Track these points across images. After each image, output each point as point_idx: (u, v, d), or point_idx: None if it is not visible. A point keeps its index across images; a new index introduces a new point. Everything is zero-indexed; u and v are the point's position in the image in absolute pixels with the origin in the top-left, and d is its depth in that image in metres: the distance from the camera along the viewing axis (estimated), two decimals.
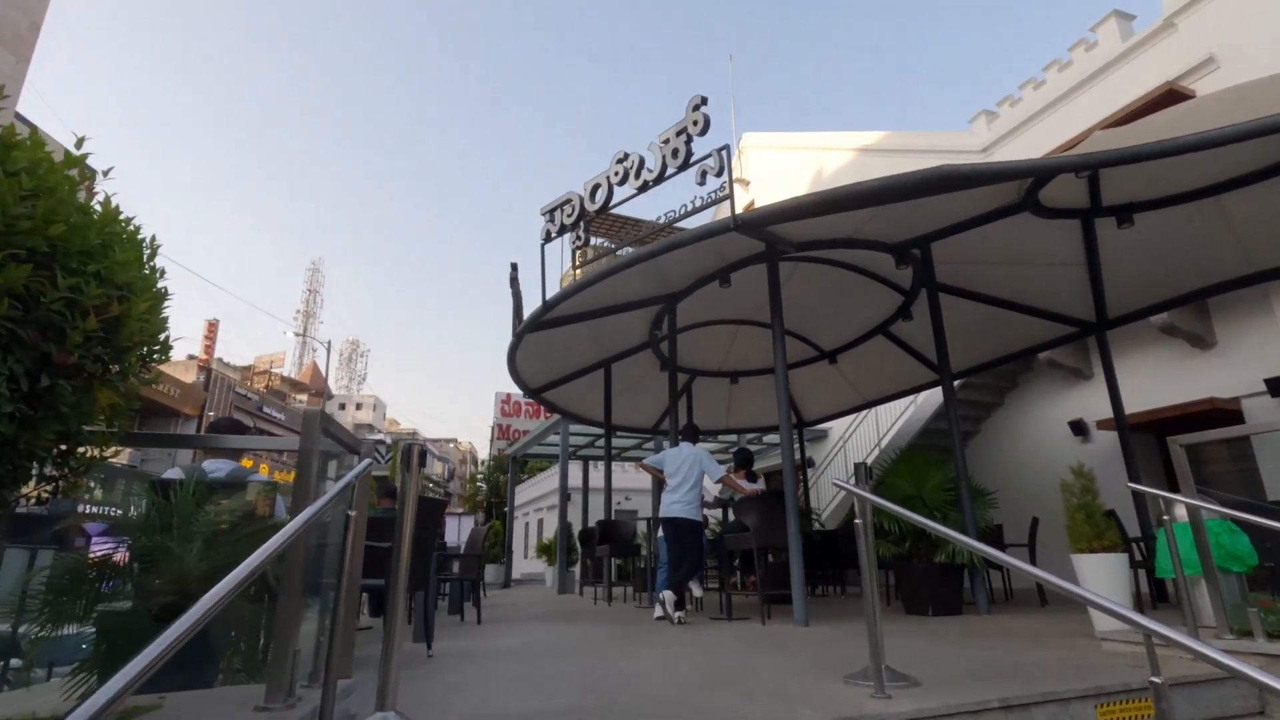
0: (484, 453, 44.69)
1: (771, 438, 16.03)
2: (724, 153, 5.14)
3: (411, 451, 2.31)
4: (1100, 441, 9.36)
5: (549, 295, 6.78)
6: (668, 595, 5.53)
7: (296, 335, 27.08)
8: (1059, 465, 10.25)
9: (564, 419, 12.34)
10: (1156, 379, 8.46)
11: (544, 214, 6.68)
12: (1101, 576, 3.76)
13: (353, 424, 66.64)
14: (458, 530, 14.22)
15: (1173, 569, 3.88)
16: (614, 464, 11.81)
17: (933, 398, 10.80)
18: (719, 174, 5.16)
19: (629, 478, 21.41)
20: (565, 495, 13.91)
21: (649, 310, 8.09)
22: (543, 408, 12.46)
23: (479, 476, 41.43)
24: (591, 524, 16.80)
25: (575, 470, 17.64)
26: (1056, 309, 7.62)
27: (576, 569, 12.94)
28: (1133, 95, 8.82)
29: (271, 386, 41.20)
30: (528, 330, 7.38)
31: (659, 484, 10.68)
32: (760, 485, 7.15)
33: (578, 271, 6.69)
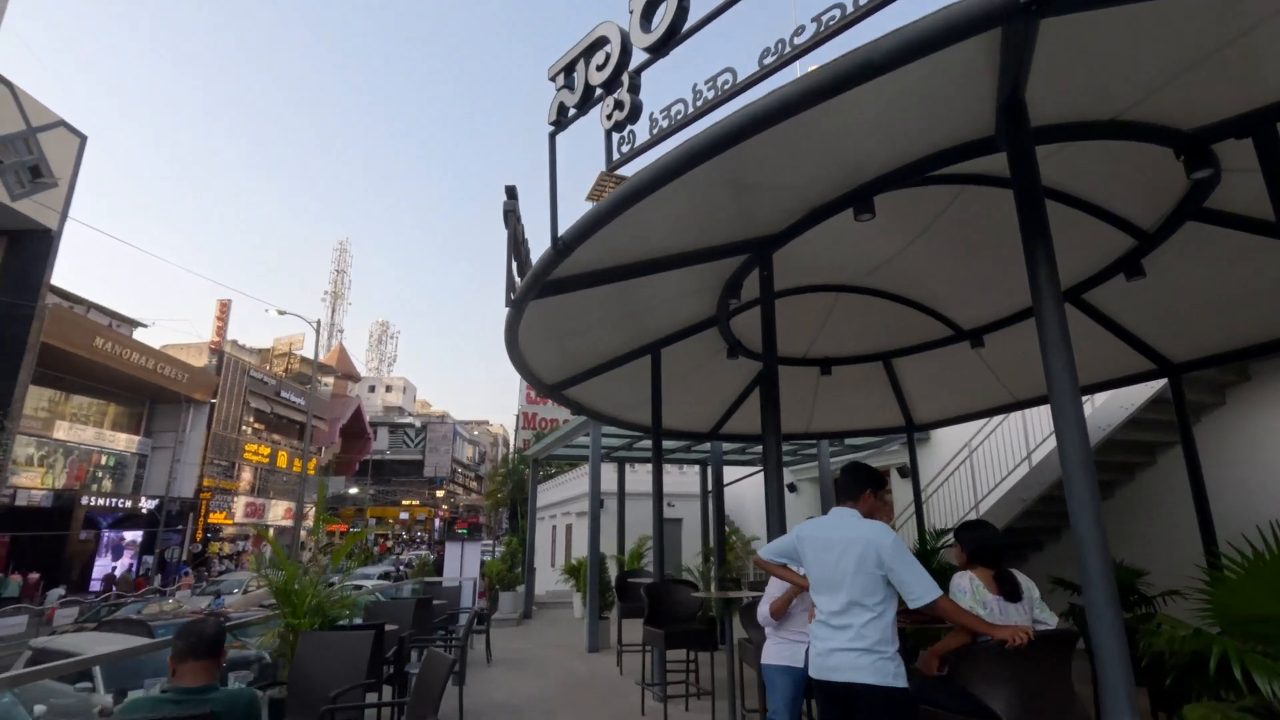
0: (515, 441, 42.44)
1: (854, 440, 12.92)
2: None
3: None
4: None
5: (564, 230, 3.82)
6: None
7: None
8: None
9: (594, 420, 9.47)
10: None
11: (554, 78, 3.66)
12: None
13: (382, 406, 65.23)
14: (460, 562, 11.19)
15: None
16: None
17: (1112, 400, 7.60)
18: None
19: (672, 479, 18.51)
20: (597, 513, 11.03)
21: (723, 265, 5.10)
22: None
23: (502, 472, 38.69)
24: (632, 541, 13.99)
25: (609, 470, 14.80)
26: None
27: (614, 611, 10.11)
28: None
29: (292, 370, 39.29)
30: (531, 295, 4.45)
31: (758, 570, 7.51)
32: (1041, 615, 3.13)
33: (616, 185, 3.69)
